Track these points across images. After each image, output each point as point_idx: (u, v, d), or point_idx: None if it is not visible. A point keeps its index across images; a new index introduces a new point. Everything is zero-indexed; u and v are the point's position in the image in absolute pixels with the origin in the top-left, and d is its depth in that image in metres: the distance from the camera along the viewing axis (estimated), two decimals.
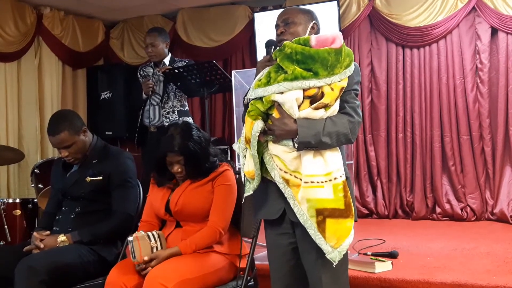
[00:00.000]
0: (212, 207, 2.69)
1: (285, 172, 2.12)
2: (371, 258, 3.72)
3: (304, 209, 2.08)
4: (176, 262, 2.52)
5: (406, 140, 5.72)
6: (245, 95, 2.26)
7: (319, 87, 2.07)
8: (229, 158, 4.85)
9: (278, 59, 2.13)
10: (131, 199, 3.04)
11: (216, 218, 2.67)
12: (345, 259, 2.16)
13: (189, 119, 4.65)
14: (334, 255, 2.06)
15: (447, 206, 5.47)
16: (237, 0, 6.42)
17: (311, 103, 2.08)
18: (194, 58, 5.53)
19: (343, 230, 2.07)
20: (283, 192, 2.14)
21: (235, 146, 2.30)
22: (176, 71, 4.36)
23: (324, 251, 2.06)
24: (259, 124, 2.10)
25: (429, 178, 5.61)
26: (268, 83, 2.11)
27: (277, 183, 2.15)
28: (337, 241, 2.06)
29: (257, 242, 2.73)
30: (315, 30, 2.32)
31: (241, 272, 2.70)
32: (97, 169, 3.00)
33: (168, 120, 4.52)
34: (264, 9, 6.29)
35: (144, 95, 4.61)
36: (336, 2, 5.74)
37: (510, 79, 5.23)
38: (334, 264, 2.07)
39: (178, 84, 4.49)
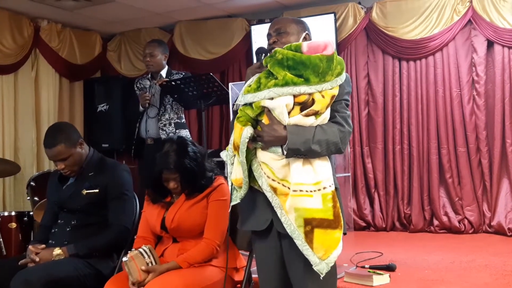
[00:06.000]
0: (207, 222, 2.68)
1: (273, 180, 2.08)
2: (369, 271, 3.71)
3: (291, 219, 2.03)
4: (173, 275, 2.50)
5: (403, 153, 5.73)
6: (235, 101, 2.22)
7: (309, 94, 2.05)
8: (225, 171, 4.84)
9: (268, 65, 2.11)
10: (127, 211, 3.03)
11: (211, 234, 2.66)
12: (333, 272, 2.11)
13: (186, 132, 4.65)
14: (321, 267, 2.00)
15: (444, 219, 5.46)
16: (234, 13, 6.46)
17: (302, 109, 2.06)
18: (191, 71, 5.55)
19: (331, 241, 2.02)
20: (271, 201, 2.09)
21: (222, 154, 2.25)
22: (173, 83, 4.37)
23: (311, 263, 2.01)
24: (248, 130, 2.07)
25: (427, 191, 5.62)
26: (258, 88, 2.08)
27: (265, 192, 2.10)
28: (325, 253, 2.01)
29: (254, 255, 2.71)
30: (307, 40, 2.29)
31: (238, 285, 2.68)
32: (93, 182, 2.99)
33: (164, 132, 4.52)
34: (261, 21, 6.32)
35: (141, 108, 4.61)
36: (332, 15, 5.77)
37: (506, 92, 5.25)
38: (322, 276, 2.01)
39: (175, 96, 4.49)
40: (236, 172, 2.14)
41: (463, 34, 5.47)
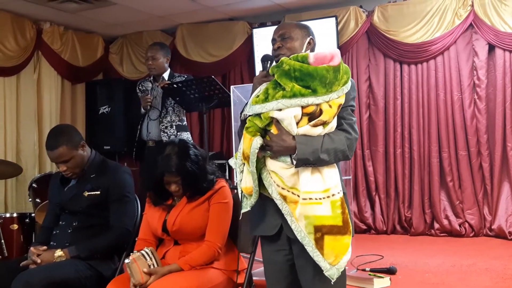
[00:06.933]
0: (208, 225, 2.69)
1: (283, 188, 2.10)
2: (370, 274, 3.71)
3: (302, 226, 2.06)
4: (174, 277, 2.51)
5: (404, 156, 5.73)
6: (242, 111, 2.24)
7: (317, 104, 2.07)
8: (227, 173, 4.85)
9: (275, 76, 2.12)
10: (128, 214, 3.03)
11: (213, 237, 2.67)
12: (343, 275, 2.14)
13: (187, 134, 4.66)
14: (332, 272, 2.04)
15: (445, 222, 5.46)
16: (235, 16, 6.47)
17: (310, 120, 2.08)
18: (193, 73, 5.56)
19: (341, 247, 2.05)
20: (280, 208, 2.12)
21: (231, 162, 2.27)
22: (175, 86, 4.38)
23: (322, 268, 2.04)
24: (258, 141, 2.09)
25: (427, 194, 5.62)
26: (266, 99, 2.10)
27: (274, 199, 2.13)
28: (335, 258, 2.04)
29: (255, 258, 2.72)
30: (312, 45, 2.32)
31: (239, 287, 2.69)
32: (95, 184, 2.99)
33: (166, 134, 4.53)
34: (262, 25, 6.33)
35: (142, 110, 4.62)
36: (334, 18, 5.78)
37: (507, 95, 5.26)
38: (333, 281, 2.05)
39: (177, 99, 4.50)
40: (246, 180, 2.16)
41: (464, 38, 5.48)
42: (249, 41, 6.34)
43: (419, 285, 3.58)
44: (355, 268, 3.97)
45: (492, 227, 5.29)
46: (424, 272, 3.96)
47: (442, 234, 5.48)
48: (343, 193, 2.13)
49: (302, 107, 2.07)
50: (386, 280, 3.58)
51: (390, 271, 3.84)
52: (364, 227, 5.83)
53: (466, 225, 5.39)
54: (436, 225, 5.52)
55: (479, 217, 5.38)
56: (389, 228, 5.74)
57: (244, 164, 2.16)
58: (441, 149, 5.57)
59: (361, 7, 5.89)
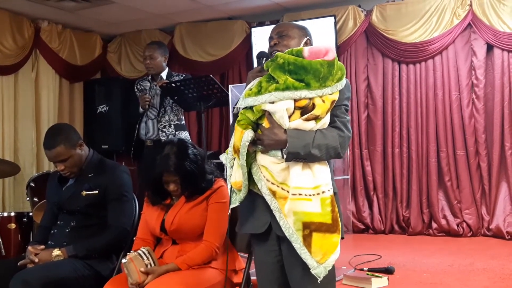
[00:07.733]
0: (206, 225, 2.68)
1: (272, 183, 2.08)
2: (367, 274, 3.72)
3: (290, 222, 2.04)
4: (172, 277, 2.50)
5: (402, 155, 5.74)
6: (235, 105, 2.23)
7: (310, 99, 2.05)
8: (225, 173, 4.84)
9: (269, 69, 2.11)
10: (126, 213, 3.02)
11: (211, 237, 2.66)
12: (332, 275, 2.11)
13: (186, 133, 4.66)
14: (319, 271, 2.01)
15: (443, 222, 5.47)
16: (234, 15, 6.47)
17: (302, 114, 2.06)
18: (191, 72, 5.56)
19: (329, 245, 2.02)
20: (270, 204, 2.09)
21: (222, 157, 2.25)
22: (173, 85, 4.37)
23: (309, 266, 2.02)
24: (249, 133, 2.07)
25: (425, 193, 5.62)
26: (259, 92, 2.09)
27: (264, 195, 2.10)
28: (323, 256, 2.01)
29: (253, 258, 2.72)
30: (308, 46, 2.29)
31: (237, 287, 2.69)
32: (93, 183, 2.98)
33: (164, 134, 4.53)
34: (261, 24, 6.34)
35: (141, 109, 4.62)
36: (332, 17, 5.78)
37: (505, 95, 5.27)
38: (319, 280, 2.02)
39: (175, 98, 4.50)
40: (235, 175, 2.14)
41: (462, 37, 5.49)
42: (247, 40, 6.34)
43: (417, 284, 3.59)
44: (353, 267, 3.98)
45: (490, 227, 5.29)
46: (422, 271, 3.96)
47: (440, 234, 5.48)
48: (334, 192, 2.11)
49: (295, 101, 2.05)
50: (384, 279, 3.58)
51: (388, 271, 3.84)
52: (362, 226, 5.84)
53: (464, 225, 5.40)
54: (434, 225, 5.53)
55: (477, 217, 5.39)
56: (387, 227, 5.74)
57: (234, 158, 2.14)
58: (439, 149, 5.57)
59: (359, 6, 5.89)
